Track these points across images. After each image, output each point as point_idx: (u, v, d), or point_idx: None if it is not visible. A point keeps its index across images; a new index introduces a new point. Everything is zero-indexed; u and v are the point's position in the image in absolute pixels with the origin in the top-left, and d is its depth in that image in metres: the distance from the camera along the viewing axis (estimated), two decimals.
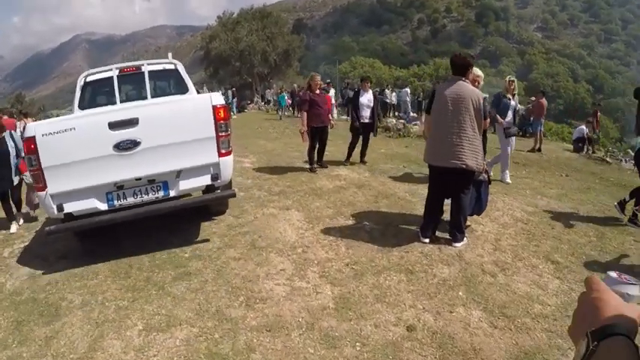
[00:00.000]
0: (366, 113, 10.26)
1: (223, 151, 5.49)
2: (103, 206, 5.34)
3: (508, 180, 9.08)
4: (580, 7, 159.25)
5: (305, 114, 9.57)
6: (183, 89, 7.20)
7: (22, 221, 7.71)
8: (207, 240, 6.20)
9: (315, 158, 10.02)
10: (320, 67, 78.92)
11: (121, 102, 6.67)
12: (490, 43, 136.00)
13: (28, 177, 7.07)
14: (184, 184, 5.52)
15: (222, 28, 45.32)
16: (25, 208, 7.93)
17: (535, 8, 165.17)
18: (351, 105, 11.11)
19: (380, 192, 8.28)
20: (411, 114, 26.46)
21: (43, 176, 4.96)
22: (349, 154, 10.65)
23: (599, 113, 19.35)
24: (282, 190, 8.55)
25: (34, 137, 4.85)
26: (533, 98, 18.57)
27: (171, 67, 7.44)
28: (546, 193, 8.60)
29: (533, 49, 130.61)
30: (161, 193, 5.51)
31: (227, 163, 5.61)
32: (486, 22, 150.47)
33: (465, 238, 5.76)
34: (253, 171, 10.34)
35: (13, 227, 7.45)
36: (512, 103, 8.85)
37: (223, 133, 5.43)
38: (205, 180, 5.57)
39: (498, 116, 8.67)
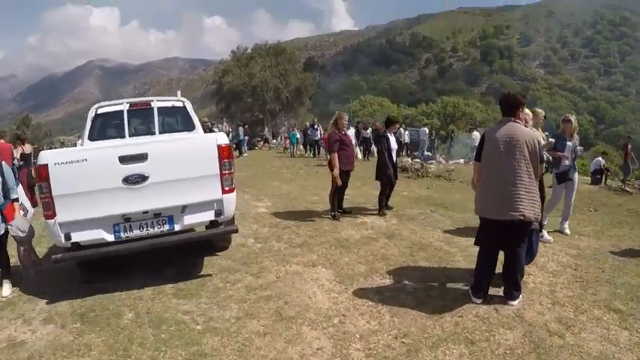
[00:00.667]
0: (393, 157, 9.44)
1: (227, 189, 5.64)
2: (110, 237, 5.38)
3: (567, 231, 8.07)
4: (580, 42, 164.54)
5: (336, 155, 8.75)
6: (190, 126, 7.28)
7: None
8: (222, 306, 5.22)
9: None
10: (330, 106, 78.53)
11: (130, 136, 6.74)
12: (495, 80, 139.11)
13: (14, 228, 5.79)
14: (189, 219, 5.63)
15: (235, 62, 44.76)
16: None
17: (537, 46, 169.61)
18: (377, 148, 10.10)
19: (413, 242, 7.45)
20: (426, 152, 25.83)
21: (53, 204, 5.01)
22: (382, 205, 9.60)
23: (629, 145, 18.98)
24: (304, 241, 7.65)
25: (46, 165, 4.94)
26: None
27: (180, 104, 7.52)
28: (582, 231, 8.32)
29: (537, 84, 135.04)
30: (166, 227, 5.59)
31: (230, 200, 5.76)
32: (491, 60, 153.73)
33: (520, 295, 5.10)
34: (270, 217, 9.46)
35: (5, 289, 5.87)
36: (570, 143, 7.82)
37: (227, 171, 5.61)
38: (209, 215, 5.70)
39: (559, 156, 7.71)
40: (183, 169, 5.42)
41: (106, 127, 7.19)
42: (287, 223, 8.83)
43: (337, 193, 9.14)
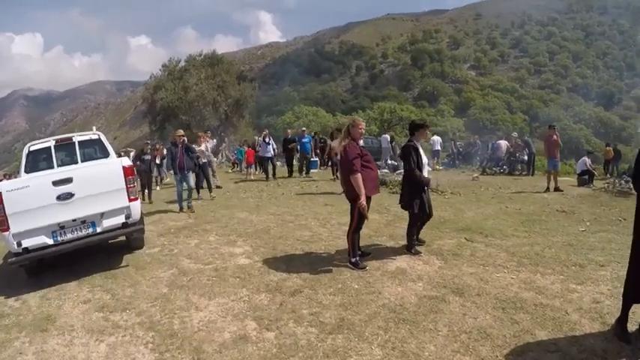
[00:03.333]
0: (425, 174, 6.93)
1: (132, 197, 7.38)
2: (50, 241, 6.89)
3: None
4: (509, 43, 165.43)
5: (360, 176, 6.00)
6: (105, 154, 8.60)
7: None
8: None
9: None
10: (263, 119, 75.71)
11: (58, 166, 8.03)
12: (427, 84, 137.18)
13: None
14: (107, 222, 7.22)
15: (168, 77, 40.63)
16: None
17: (467, 48, 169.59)
18: (406, 165, 7.03)
19: (497, 298, 5.12)
20: (389, 161, 23.34)
21: (7, 221, 6.54)
22: (413, 241, 7.02)
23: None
24: (339, 318, 4.85)
25: (1, 192, 6.52)
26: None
27: (96, 137, 8.90)
28: None
29: (469, 86, 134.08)
30: (90, 230, 7.14)
31: (136, 206, 7.44)
32: (422, 64, 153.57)
33: None
34: (259, 272, 6.54)
35: None
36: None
37: (131, 185, 7.38)
38: (121, 219, 7.29)
39: None
40: (99, 186, 7.05)
41: (38, 161, 8.25)
42: (290, 281, 6.04)
43: (358, 231, 6.41)
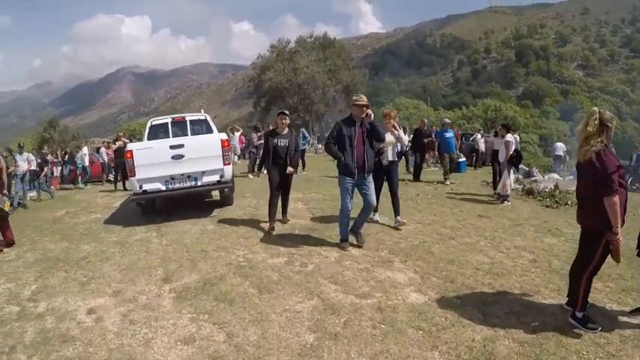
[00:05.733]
0: None
1: (226, 162, 9.42)
2: (163, 187, 9.26)
3: None
4: (619, 42, 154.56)
5: (618, 199, 4.05)
6: (209, 131, 10.75)
7: None
8: None
9: None
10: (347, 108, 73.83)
11: (173, 137, 10.32)
12: (532, 82, 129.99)
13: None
14: (206, 178, 9.38)
15: (276, 57, 39.30)
16: None
17: (574, 46, 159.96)
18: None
19: None
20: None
21: (134, 169, 9.03)
22: None
23: None
24: None
25: (132, 150, 9.17)
26: None
27: (203, 117, 11.37)
28: None
29: (576, 87, 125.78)
30: (193, 182, 9.37)
31: (228, 169, 9.50)
32: (526, 61, 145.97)
33: None
34: (448, 324, 4.51)
35: None
36: None
37: (226, 154, 9.41)
38: (216, 177, 9.41)
39: None
40: (203, 151, 9.28)
41: (158, 132, 10.85)
42: (501, 344, 4.13)
43: (595, 273, 4.44)
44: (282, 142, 8.24)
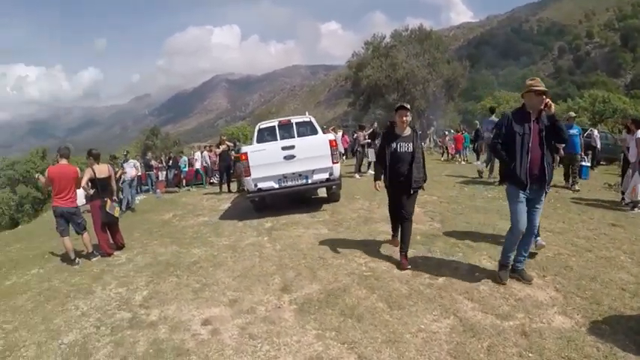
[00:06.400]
0: None
1: (334, 161, 10.00)
2: (276, 185, 10.01)
3: None
4: None
5: None
6: (315, 132, 11.16)
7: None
8: None
9: None
10: (460, 104, 70.85)
11: (280, 139, 10.84)
12: None
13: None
14: (316, 176, 10.00)
15: (372, 53, 38.08)
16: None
17: None
18: None
19: None
20: None
21: (249, 170, 9.83)
22: None
23: None
24: None
25: (247, 152, 9.99)
26: None
27: (308, 119, 11.69)
28: None
29: None
30: (304, 181, 10.02)
31: (336, 167, 10.06)
32: (633, 45, 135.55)
33: None
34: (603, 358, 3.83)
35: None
36: None
37: (334, 153, 10.02)
38: (326, 175, 10.02)
39: None
40: (313, 152, 9.90)
41: (265, 135, 11.26)
42: None
43: None
44: (404, 147, 5.95)
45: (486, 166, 13.76)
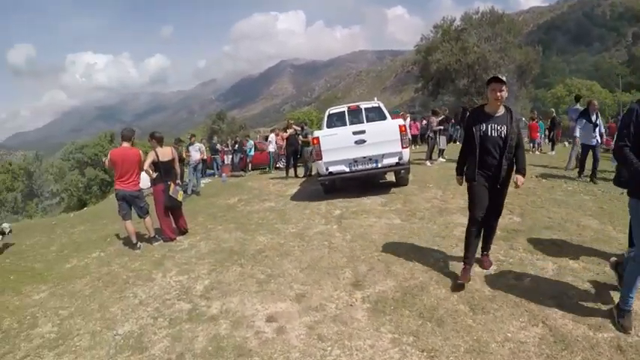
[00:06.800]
0: None
1: (404, 145, 10.09)
2: (347, 169, 10.24)
3: None
4: None
5: None
6: (383, 117, 11.35)
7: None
8: None
9: None
10: (531, 91, 68.45)
11: (349, 124, 11.15)
12: None
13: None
14: (385, 160, 10.15)
15: (442, 37, 36.64)
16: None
17: None
18: None
19: None
20: None
21: (321, 153, 10.14)
22: None
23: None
24: None
25: (318, 137, 10.27)
26: None
27: (376, 105, 11.92)
28: None
29: None
30: (374, 165, 10.20)
31: (406, 152, 10.17)
32: None
33: None
34: None
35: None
36: None
37: (404, 138, 10.10)
38: (395, 159, 10.14)
39: None
40: (383, 136, 10.05)
41: (335, 120, 11.60)
42: None
43: None
44: (496, 130, 4.82)
45: (574, 159, 12.68)
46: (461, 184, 5.22)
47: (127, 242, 8.19)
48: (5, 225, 13.78)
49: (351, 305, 4.73)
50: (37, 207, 52.72)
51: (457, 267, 5.28)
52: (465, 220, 5.17)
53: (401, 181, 11.14)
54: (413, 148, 20.76)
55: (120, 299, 5.59)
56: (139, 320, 4.92)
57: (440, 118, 16.14)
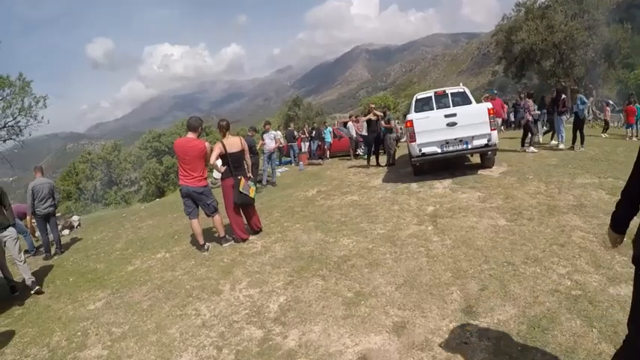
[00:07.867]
0: None
1: (492, 128, 10.39)
2: (439, 150, 10.69)
3: None
4: None
5: None
6: (468, 101, 12.21)
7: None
8: None
9: None
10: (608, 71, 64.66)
11: (437, 109, 11.97)
12: None
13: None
14: (475, 142, 10.54)
15: (526, 15, 35.11)
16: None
17: None
18: None
19: None
20: None
21: (415, 136, 10.65)
22: None
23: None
24: None
25: (412, 120, 10.72)
26: None
27: (462, 90, 12.76)
28: None
29: None
30: (464, 146, 10.60)
31: (494, 134, 10.47)
32: None
33: None
34: None
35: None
36: None
37: (492, 120, 10.39)
38: (484, 141, 10.50)
39: None
40: (473, 119, 10.43)
41: (422, 105, 12.59)
42: None
43: None
44: None
45: None
46: (616, 245, 2.88)
47: (195, 242, 7.78)
48: (75, 218, 14.22)
49: (465, 343, 3.75)
50: (115, 195, 55.38)
51: (589, 286, 4.37)
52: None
53: (487, 162, 11.54)
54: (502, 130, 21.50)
55: (180, 317, 5.03)
56: (200, 350, 4.32)
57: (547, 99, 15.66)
